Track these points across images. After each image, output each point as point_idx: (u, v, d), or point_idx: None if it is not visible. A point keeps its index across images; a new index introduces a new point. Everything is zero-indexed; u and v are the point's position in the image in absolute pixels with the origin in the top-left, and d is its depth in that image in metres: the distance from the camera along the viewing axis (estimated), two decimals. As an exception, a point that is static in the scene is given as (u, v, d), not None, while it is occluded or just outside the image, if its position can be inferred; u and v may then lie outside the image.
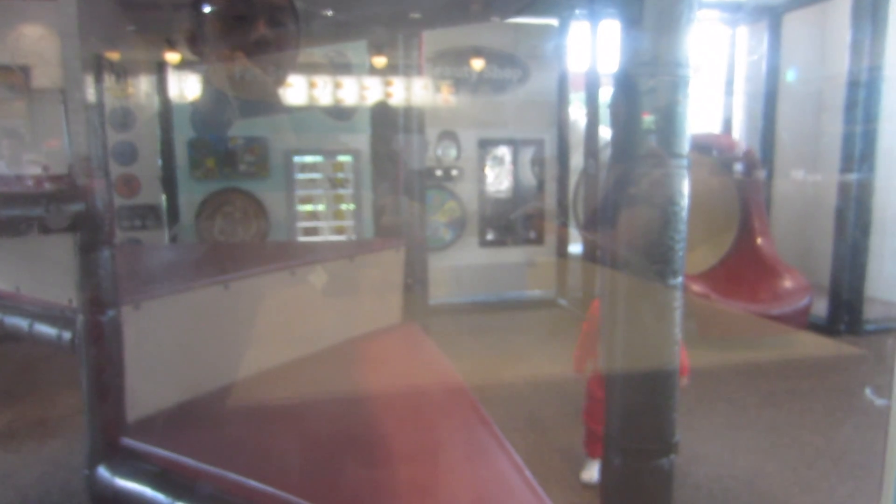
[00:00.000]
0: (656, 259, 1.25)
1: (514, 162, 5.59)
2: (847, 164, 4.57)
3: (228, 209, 4.96)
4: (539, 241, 5.60)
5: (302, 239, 5.13)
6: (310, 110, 4.98)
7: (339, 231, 5.27)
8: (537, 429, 3.06)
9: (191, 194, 4.92)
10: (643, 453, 1.28)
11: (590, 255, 4.98)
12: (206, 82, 4.73)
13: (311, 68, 4.79)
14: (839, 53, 4.66)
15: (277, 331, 2.63)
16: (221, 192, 4.95)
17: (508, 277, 5.44)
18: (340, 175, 5.29)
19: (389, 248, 3.34)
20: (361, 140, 4.78)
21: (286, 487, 1.64)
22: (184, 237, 4.92)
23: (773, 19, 5.61)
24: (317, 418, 2.13)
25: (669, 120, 1.26)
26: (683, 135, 1.28)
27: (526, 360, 3.81)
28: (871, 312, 4.63)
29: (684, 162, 1.27)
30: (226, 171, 4.95)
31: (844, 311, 4.60)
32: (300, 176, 5.20)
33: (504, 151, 5.58)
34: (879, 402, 3.02)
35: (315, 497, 1.61)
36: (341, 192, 5.27)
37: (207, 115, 4.91)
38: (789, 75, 5.78)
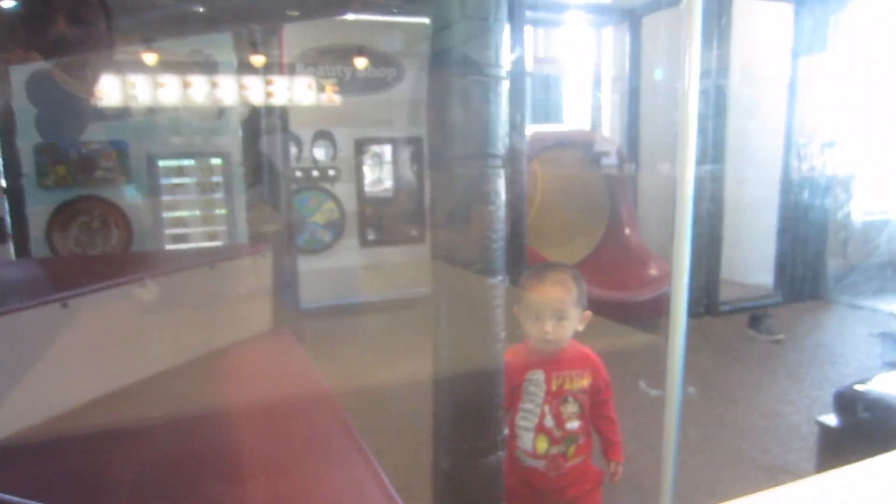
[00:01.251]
0: (473, 258, 1.25)
1: (394, 161, 5.56)
2: (702, 157, 4.92)
3: (85, 219, 4.58)
4: (421, 239, 5.61)
5: (169, 247, 4.84)
6: (174, 112, 4.69)
7: (212, 237, 5.02)
8: (415, 430, 3.04)
9: (40, 204, 4.50)
10: (471, 452, 1.28)
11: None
12: (54, 84, 4.34)
13: (171, 67, 4.50)
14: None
15: (125, 349, 2.44)
16: (76, 200, 4.57)
17: (390, 277, 5.40)
18: (212, 178, 5.05)
19: (255, 254, 3.20)
20: (231, 142, 4.57)
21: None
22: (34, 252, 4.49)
23: (634, 21, 5.94)
24: (164, 440, 1.99)
25: (481, 120, 1.26)
26: (496, 135, 1.28)
27: (401, 360, 3.79)
28: (724, 294, 5.01)
29: (498, 162, 1.28)
30: (80, 177, 4.57)
31: (703, 294, 4.95)
32: (166, 181, 4.91)
33: (383, 150, 5.54)
34: (653, 392, 3.21)
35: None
36: (213, 196, 5.03)
37: (55, 118, 4.52)
38: (657, 74, 6.13)
